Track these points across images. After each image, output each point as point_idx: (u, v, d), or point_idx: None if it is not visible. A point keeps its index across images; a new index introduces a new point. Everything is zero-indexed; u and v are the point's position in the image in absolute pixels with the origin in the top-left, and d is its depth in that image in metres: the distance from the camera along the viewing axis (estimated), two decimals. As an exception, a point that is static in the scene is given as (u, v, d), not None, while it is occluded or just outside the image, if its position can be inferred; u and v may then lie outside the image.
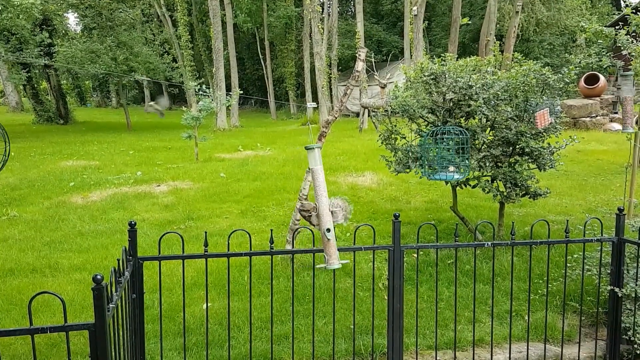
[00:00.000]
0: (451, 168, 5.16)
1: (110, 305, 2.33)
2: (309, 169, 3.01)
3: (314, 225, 2.99)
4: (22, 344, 4.09)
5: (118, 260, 2.74)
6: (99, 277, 2.16)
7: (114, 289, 2.46)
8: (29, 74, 24.27)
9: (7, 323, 4.45)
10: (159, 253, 3.35)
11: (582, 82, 17.90)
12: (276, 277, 5.30)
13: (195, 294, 5.02)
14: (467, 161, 5.19)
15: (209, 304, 4.40)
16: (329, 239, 2.85)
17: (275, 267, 5.49)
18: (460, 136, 5.09)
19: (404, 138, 6.23)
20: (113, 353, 2.36)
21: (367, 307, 4.63)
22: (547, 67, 5.71)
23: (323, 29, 25.29)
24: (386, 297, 3.82)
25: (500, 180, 5.79)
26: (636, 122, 6.65)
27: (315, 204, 2.93)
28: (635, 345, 3.95)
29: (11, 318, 4.55)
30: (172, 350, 4.04)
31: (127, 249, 3.03)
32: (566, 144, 5.74)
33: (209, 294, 3.99)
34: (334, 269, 2.93)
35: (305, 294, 4.92)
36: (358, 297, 4.89)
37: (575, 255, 4.76)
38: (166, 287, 5.07)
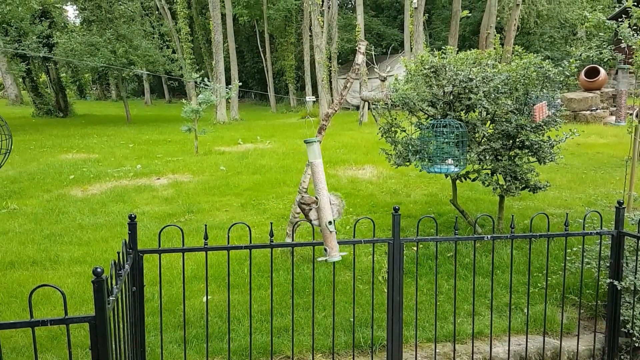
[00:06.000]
0: (449, 160, 5.16)
1: (111, 298, 2.34)
2: (309, 162, 3.02)
3: (309, 220, 3.02)
4: (22, 336, 4.10)
5: (118, 253, 2.74)
6: (99, 269, 2.16)
7: (114, 282, 2.46)
8: (28, 66, 24.21)
9: (7, 316, 4.46)
10: (159, 246, 3.35)
11: (582, 75, 17.84)
12: (276, 270, 5.31)
13: (195, 286, 5.03)
14: (465, 154, 5.19)
15: (209, 297, 4.41)
16: (331, 232, 2.89)
17: (275, 260, 5.50)
18: (460, 129, 5.09)
19: (404, 131, 6.22)
20: (113, 345, 2.36)
21: (367, 300, 4.64)
22: (547, 60, 5.69)
23: (323, 22, 25.20)
24: (386, 290, 3.83)
25: (500, 174, 5.79)
26: (636, 116, 6.64)
27: (316, 197, 2.94)
28: (634, 338, 3.97)
29: (12, 311, 4.56)
30: (172, 343, 4.05)
31: (127, 241, 3.03)
32: (566, 137, 5.73)
33: (209, 287, 4.00)
34: (333, 262, 2.96)
35: (305, 286, 4.93)
36: (358, 290, 4.90)
37: (574, 249, 4.77)
38: (166, 280, 5.07)
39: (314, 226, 3.05)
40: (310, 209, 2.97)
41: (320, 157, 2.94)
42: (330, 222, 2.89)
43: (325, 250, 2.94)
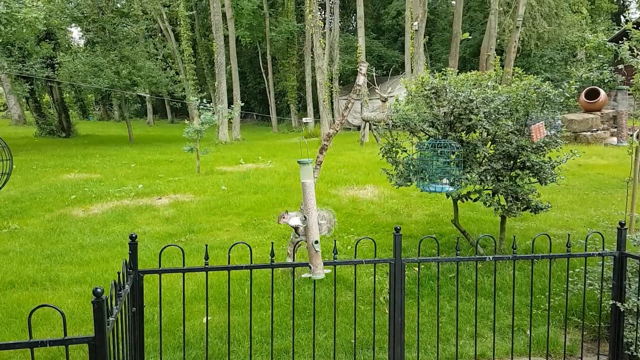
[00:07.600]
0: (444, 180, 5.19)
1: (110, 319, 2.32)
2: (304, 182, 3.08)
3: (298, 235, 3.16)
4: (21, 357, 4.07)
5: (118, 273, 2.74)
6: (99, 290, 2.15)
7: (114, 302, 2.45)
8: (32, 87, 24.44)
9: (6, 336, 4.43)
10: (160, 266, 3.34)
11: (582, 97, 17.93)
12: (277, 291, 5.28)
13: (195, 307, 5.00)
14: (463, 175, 5.21)
15: (209, 318, 4.39)
16: (317, 251, 3.03)
17: (275, 280, 5.47)
18: (454, 150, 5.13)
19: (405, 151, 6.24)
20: (112, 366, 2.35)
21: (368, 321, 4.61)
22: (547, 82, 5.73)
23: (325, 43, 25.45)
24: (387, 311, 3.81)
25: (501, 194, 5.79)
26: (637, 137, 6.66)
27: (304, 217, 3.05)
28: (638, 361, 3.92)
29: (11, 331, 4.53)
30: (171, 364, 4.01)
31: (128, 262, 3.02)
32: (567, 158, 5.74)
33: (209, 308, 3.98)
34: (315, 279, 3.14)
35: (306, 307, 4.90)
36: (359, 311, 4.86)
37: (577, 270, 4.74)
38: (166, 301, 5.05)
39: (301, 241, 3.18)
40: (297, 227, 3.10)
41: (312, 178, 3.05)
42: (316, 242, 3.01)
43: (310, 267, 3.08)
